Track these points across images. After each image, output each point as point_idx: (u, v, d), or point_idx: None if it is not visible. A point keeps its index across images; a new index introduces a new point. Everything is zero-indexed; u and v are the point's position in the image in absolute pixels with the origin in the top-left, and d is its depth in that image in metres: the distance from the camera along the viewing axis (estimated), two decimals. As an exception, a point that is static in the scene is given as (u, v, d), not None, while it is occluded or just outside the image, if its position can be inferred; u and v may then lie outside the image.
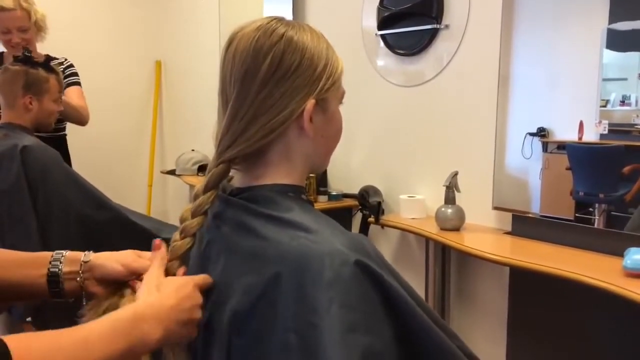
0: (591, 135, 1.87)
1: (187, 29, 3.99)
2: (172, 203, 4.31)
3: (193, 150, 3.63)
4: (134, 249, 1.47)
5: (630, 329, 1.75)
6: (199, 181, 3.82)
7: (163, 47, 4.18)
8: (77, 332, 0.60)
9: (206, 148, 3.59)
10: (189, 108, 4.00)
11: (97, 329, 0.61)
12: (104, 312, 0.74)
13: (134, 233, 1.84)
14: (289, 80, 0.72)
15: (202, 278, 0.74)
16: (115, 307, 0.76)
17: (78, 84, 2.61)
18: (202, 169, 3.52)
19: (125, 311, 0.65)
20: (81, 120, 2.55)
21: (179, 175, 3.57)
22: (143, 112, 4.21)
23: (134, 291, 0.78)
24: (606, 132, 1.83)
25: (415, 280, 2.38)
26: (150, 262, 0.76)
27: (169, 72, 4.23)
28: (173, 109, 4.23)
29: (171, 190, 4.27)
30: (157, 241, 0.77)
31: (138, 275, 0.79)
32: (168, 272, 0.76)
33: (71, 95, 2.51)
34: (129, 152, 4.15)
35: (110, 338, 0.60)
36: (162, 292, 0.69)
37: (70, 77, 2.58)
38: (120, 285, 0.81)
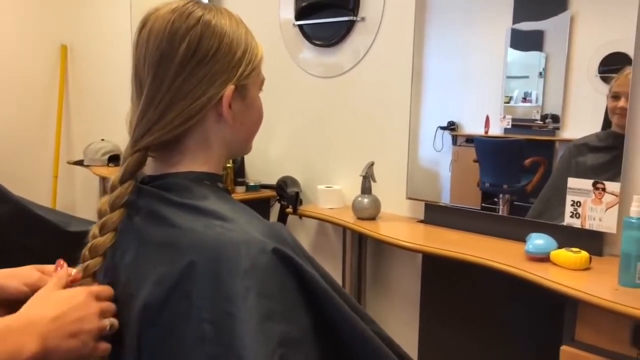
0: (496, 130, 1.97)
1: (95, 11, 3.78)
2: (80, 195, 4.09)
3: (103, 139, 3.46)
4: (39, 244, 1.36)
5: (531, 308, 1.88)
6: (110, 172, 3.62)
7: (69, 30, 3.94)
8: None
9: (117, 137, 3.43)
10: (98, 95, 3.80)
11: None
12: None
13: (39, 227, 1.72)
14: (207, 65, 0.70)
15: (100, 288, 0.70)
16: None
17: None
18: (112, 159, 3.37)
19: None
20: None
21: (87, 166, 3.39)
22: (47, 100, 3.95)
23: None
24: (510, 126, 1.93)
25: (332, 268, 2.41)
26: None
27: (75, 57, 3.99)
28: (81, 96, 4.00)
29: (79, 182, 4.05)
30: (60, 261, 0.72)
31: None
32: (86, 274, 0.71)
33: None
34: (31, 142, 3.88)
35: None
36: (45, 305, 0.63)
37: None
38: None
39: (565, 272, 1.54)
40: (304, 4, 2.50)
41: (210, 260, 0.64)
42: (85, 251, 0.71)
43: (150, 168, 0.76)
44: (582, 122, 1.77)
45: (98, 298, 0.68)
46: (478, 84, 2.03)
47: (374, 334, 0.71)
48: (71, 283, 0.70)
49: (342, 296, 0.70)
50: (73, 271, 0.72)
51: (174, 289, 0.65)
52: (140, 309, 0.66)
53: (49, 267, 0.75)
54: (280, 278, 0.64)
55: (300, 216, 2.42)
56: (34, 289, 0.72)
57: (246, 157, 2.66)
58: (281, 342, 0.61)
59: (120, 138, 3.41)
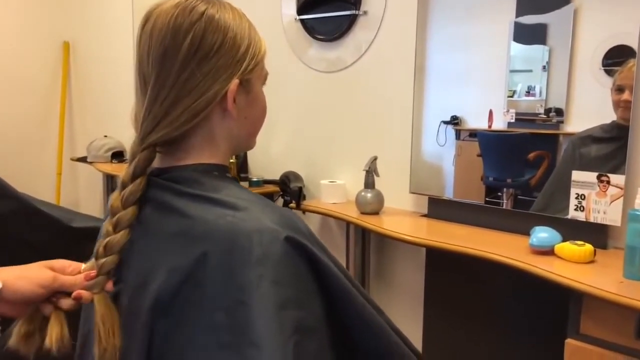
0: (500, 124, 1.96)
1: (97, 7, 3.78)
2: (83, 192, 4.10)
3: (106, 136, 3.47)
4: (42, 239, 1.36)
5: (535, 301, 1.88)
6: (114, 168, 3.60)
7: (71, 27, 3.94)
8: None
9: (120, 134, 3.44)
10: (101, 92, 3.81)
11: None
12: (30, 337, 0.70)
13: (43, 223, 1.73)
14: (211, 60, 0.70)
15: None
16: (42, 330, 0.70)
17: None
18: (116, 155, 3.37)
19: None
20: None
21: (90, 163, 3.40)
22: (50, 97, 3.95)
23: (57, 308, 0.70)
24: (513, 120, 1.92)
25: (336, 264, 2.41)
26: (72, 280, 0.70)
27: (77, 54, 3.99)
28: (83, 93, 4.01)
29: (82, 179, 4.06)
30: (92, 274, 0.70)
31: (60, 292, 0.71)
32: (101, 272, 0.70)
33: None
34: (34, 139, 3.89)
35: None
36: None
37: None
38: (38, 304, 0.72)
39: (569, 265, 1.54)
40: (306, -1, 2.50)
41: (223, 250, 0.64)
42: (100, 248, 0.70)
43: (156, 161, 0.76)
44: (586, 116, 1.77)
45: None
46: (481, 78, 2.03)
47: (384, 322, 0.72)
48: (86, 280, 0.69)
49: (354, 285, 0.71)
50: (83, 266, 0.72)
51: (186, 280, 0.65)
52: (152, 299, 0.67)
53: (58, 264, 0.72)
54: (293, 265, 0.64)
55: (304, 211, 2.42)
56: (50, 291, 0.70)
57: (249, 153, 2.66)
58: (296, 329, 0.61)
59: (122, 135, 3.42)
